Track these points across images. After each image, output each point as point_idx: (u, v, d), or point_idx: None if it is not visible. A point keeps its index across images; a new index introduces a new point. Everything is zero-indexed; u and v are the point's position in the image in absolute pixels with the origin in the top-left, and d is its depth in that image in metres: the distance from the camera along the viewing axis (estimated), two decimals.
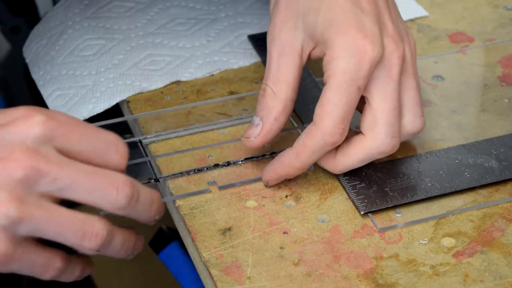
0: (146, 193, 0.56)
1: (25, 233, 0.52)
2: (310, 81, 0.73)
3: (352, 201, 0.63)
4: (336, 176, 0.65)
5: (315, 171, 0.66)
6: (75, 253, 0.56)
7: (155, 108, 0.72)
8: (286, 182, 0.65)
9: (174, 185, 0.65)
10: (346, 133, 0.61)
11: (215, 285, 0.58)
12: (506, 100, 0.73)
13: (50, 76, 0.77)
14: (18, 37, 0.94)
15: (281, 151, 0.64)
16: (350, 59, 0.60)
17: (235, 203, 0.64)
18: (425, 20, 0.82)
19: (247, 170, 0.66)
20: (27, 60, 0.82)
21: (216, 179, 0.66)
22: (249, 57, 0.78)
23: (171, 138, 0.70)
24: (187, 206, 0.64)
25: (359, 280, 0.58)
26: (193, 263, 0.62)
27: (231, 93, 0.74)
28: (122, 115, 0.74)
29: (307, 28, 0.62)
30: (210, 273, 0.59)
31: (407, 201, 0.63)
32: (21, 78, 0.96)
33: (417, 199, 0.63)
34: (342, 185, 0.65)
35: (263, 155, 0.67)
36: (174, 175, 0.66)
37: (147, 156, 0.68)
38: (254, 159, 0.67)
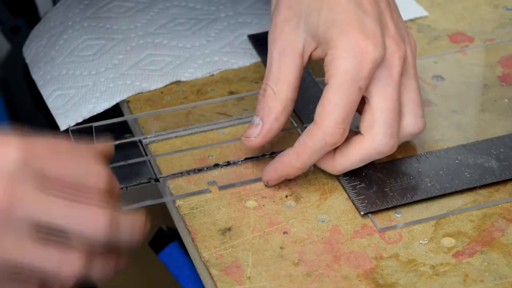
0: (127, 220, 0.53)
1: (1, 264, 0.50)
2: (310, 81, 0.73)
3: (352, 201, 0.63)
4: (336, 176, 0.65)
5: (315, 171, 0.66)
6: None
7: (155, 108, 0.72)
8: (286, 182, 0.65)
9: (174, 185, 0.65)
10: (347, 133, 0.61)
11: (215, 285, 0.58)
12: (506, 100, 0.73)
13: (50, 76, 0.77)
14: (18, 37, 0.94)
15: (281, 151, 0.64)
16: (352, 59, 0.60)
17: (235, 203, 0.64)
18: (425, 20, 0.82)
19: (247, 170, 0.66)
20: (27, 60, 0.82)
21: (216, 179, 0.66)
22: (249, 57, 0.78)
23: (171, 138, 0.70)
24: (187, 206, 0.64)
25: (359, 280, 0.58)
26: (193, 263, 0.62)
27: (231, 93, 0.74)
28: (122, 115, 0.74)
29: (308, 28, 0.62)
30: (210, 273, 0.59)
31: (407, 201, 0.63)
32: (21, 78, 0.96)
33: (417, 199, 0.63)
34: (342, 185, 0.65)
35: (263, 155, 0.67)
36: (174, 175, 0.66)
37: (147, 156, 0.68)
38: (254, 159, 0.67)
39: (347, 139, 0.62)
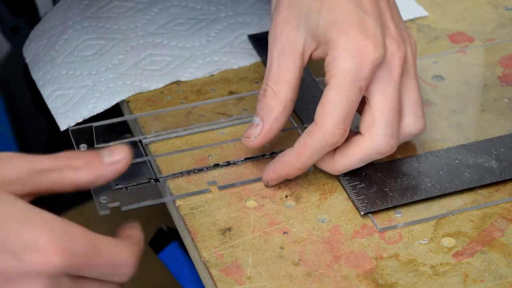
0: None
1: None
2: (310, 81, 0.73)
3: (352, 201, 0.63)
4: (336, 176, 0.65)
5: (315, 171, 0.66)
6: None
7: (155, 108, 0.72)
8: (286, 182, 0.65)
9: (174, 185, 0.65)
10: (347, 134, 0.61)
11: (215, 285, 0.58)
12: (506, 100, 0.73)
13: (50, 76, 0.77)
14: (18, 37, 0.94)
15: (281, 151, 0.64)
16: (352, 59, 0.60)
17: (235, 203, 0.64)
18: (425, 20, 0.82)
19: (247, 170, 0.66)
20: (27, 60, 0.82)
21: (216, 179, 0.66)
22: (249, 57, 0.78)
23: (171, 138, 0.70)
24: (187, 206, 0.64)
25: (359, 280, 0.58)
26: (193, 263, 0.62)
27: (231, 93, 0.74)
28: (122, 115, 0.74)
29: (309, 28, 0.62)
30: (210, 273, 0.59)
31: (407, 201, 0.63)
32: (21, 78, 0.96)
33: (417, 199, 0.63)
34: (342, 185, 0.65)
35: (263, 155, 0.67)
36: (174, 175, 0.66)
37: (147, 156, 0.68)
38: (254, 159, 0.67)
39: (347, 139, 0.62)
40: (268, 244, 0.61)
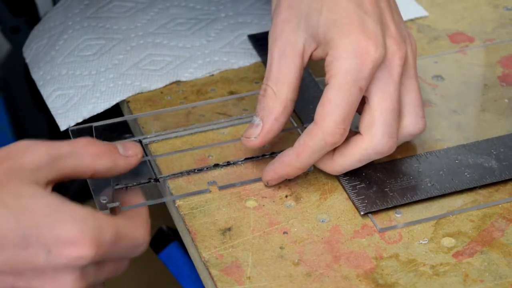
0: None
1: None
2: (310, 81, 0.73)
3: (352, 201, 0.63)
4: (336, 176, 0.65)
5: (315, 171, 0.66)
6: None
7: (155, 108, 0.72)
8: (286, 182, 0.65)
9: (174, 185, 0.65)
10: (347, 134, 0.61)
11: (215, 285, 0.58)
12: (506, 100, 0.73)
13: (50, 76, 0.77)
14: (18, 37, 0.94)
15: (281, 151, 0.64)
16: (353, 60, 0.60)
17: (235, 203, 0.64)
18: (425, 20, 0.82)
19: (247, 170, 0.66)
20: (27, 60, 0.82)
21: (216, 179, 0.66)
22: (249, 57, 0.78)
23: (171, 138, 0.70)
24: (187, 206, 0.64)
25: (359, 280, 0.58)
26: (193, 263, 0.62)
27: (231, 93, 0.74)
28: (122, 115, 0.74)
29: (309, 28, 0.62)
30: (210, 273, 0.59)
31: (407, 201, 0.63)
32: (21, 78, 0.96)
33: (417, 199, 0.63)
34: (342, 185, 0.65)
35: (263, 155, 0.67)
36: (174, 175, 0.66)
37: (147, 156, 0.68)
38: (254, 159, 0.67)
39: (346, 139, 0.62)
40: (268, 244, 0.61)
